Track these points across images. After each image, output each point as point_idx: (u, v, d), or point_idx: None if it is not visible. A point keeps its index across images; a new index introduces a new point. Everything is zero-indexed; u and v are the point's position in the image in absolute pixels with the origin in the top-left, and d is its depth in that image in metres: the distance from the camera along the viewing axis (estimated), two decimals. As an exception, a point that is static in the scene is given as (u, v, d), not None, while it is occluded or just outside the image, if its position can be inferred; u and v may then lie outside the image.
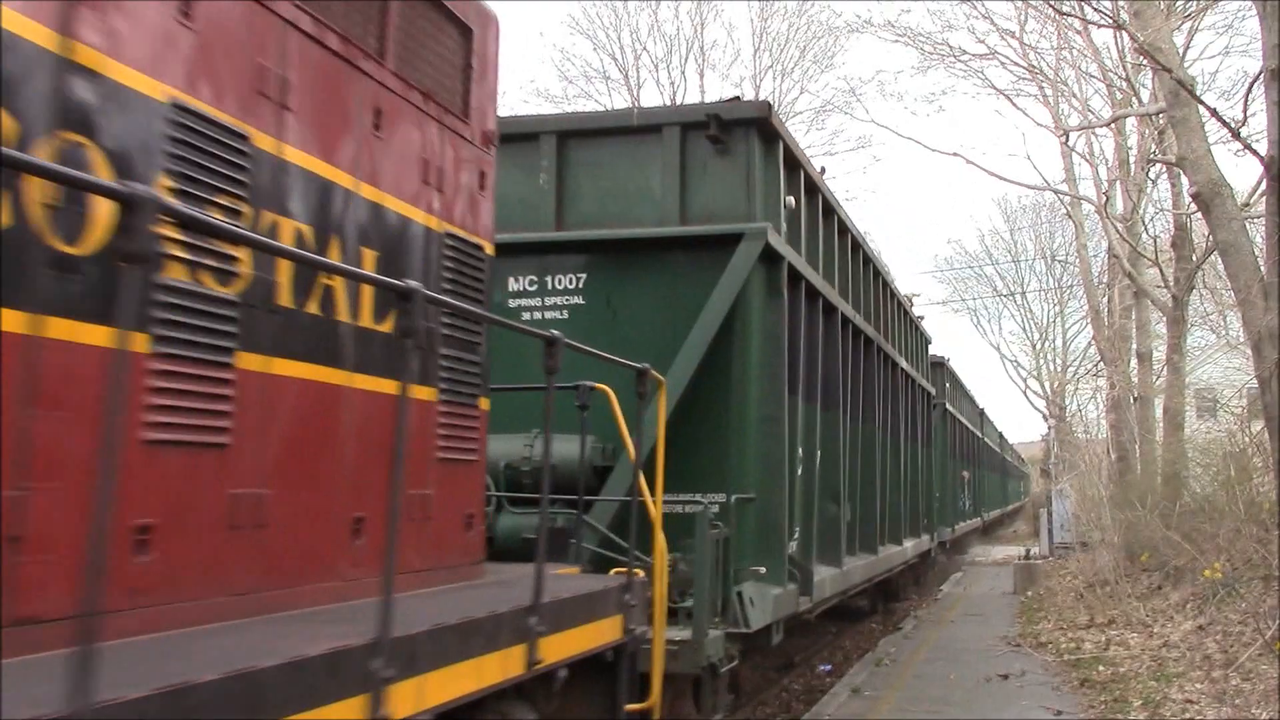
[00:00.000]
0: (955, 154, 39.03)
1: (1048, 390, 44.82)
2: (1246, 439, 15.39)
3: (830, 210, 10.34)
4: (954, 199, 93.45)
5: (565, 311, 7.70)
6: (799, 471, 8.65)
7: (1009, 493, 45.18)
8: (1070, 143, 23.33)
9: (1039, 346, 46.74)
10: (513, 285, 7.83)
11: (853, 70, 76.61)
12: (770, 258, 7.86)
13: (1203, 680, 8.92)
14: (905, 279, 70.29)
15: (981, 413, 32.91)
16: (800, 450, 8.71)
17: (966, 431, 26.22)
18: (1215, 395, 22.92)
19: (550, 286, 7.81)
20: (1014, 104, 26.38)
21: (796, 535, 8.52)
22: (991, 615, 15.28)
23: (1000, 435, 43.21)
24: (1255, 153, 10.27)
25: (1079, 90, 22.98)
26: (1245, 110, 12.95)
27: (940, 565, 21.55)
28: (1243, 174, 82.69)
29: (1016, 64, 22.05)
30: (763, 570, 7.57)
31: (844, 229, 10.99)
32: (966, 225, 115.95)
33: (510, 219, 7.26)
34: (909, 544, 14.66)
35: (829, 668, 11.57)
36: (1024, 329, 48.31)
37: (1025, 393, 46.73)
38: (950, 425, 22.06)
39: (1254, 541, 11.06)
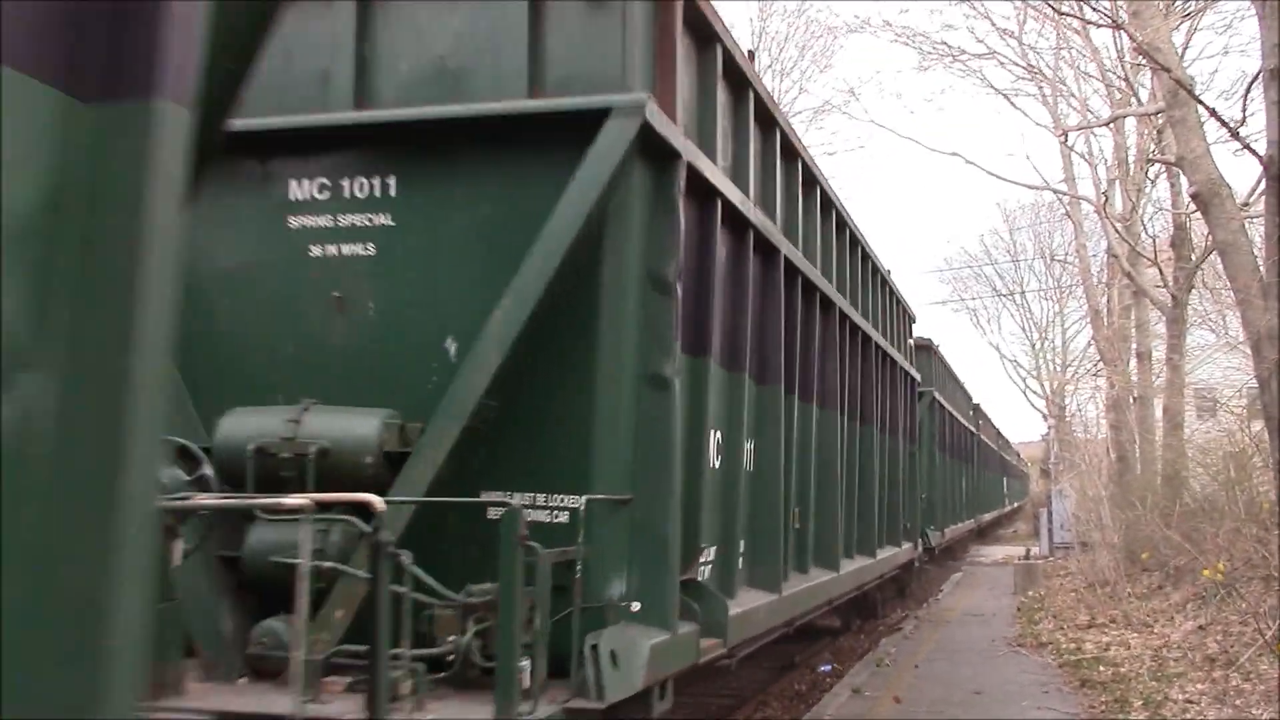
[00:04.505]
0: (954, 154, 39.08)
1: (1047, 390, 44.81)
2: (1246, 439, 15.38)
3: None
4: (953, 199, 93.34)
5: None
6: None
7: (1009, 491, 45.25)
8: (1069, 142, 23.34)
9: (1038, 346, 46.78)
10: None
11: (851, 69, 76.62)
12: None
13: (1203, 680, 8.92)
14: (906, 280, 70.44)
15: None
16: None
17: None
18: (1215, 395, 22.90)
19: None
20: (1013, 104, 26.39)
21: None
22: (991, 615, 15.28)
23: (999, 434, 43.47)
24: (1254, 152, 10.24)
25: (1078, 90, 23.01)
26: (1244, 110, 12.95)
27: (939, 564, 21.86)
28: (1242, 174, 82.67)
29: (1016, 64, 22.07)
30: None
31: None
32: (965, 226, 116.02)
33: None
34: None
35: (829, 668, 11.57)
36: (1023, 329, 48.36)
37: (1025, 392, 46.79)
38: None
39: (1254, 541, 11.06)
